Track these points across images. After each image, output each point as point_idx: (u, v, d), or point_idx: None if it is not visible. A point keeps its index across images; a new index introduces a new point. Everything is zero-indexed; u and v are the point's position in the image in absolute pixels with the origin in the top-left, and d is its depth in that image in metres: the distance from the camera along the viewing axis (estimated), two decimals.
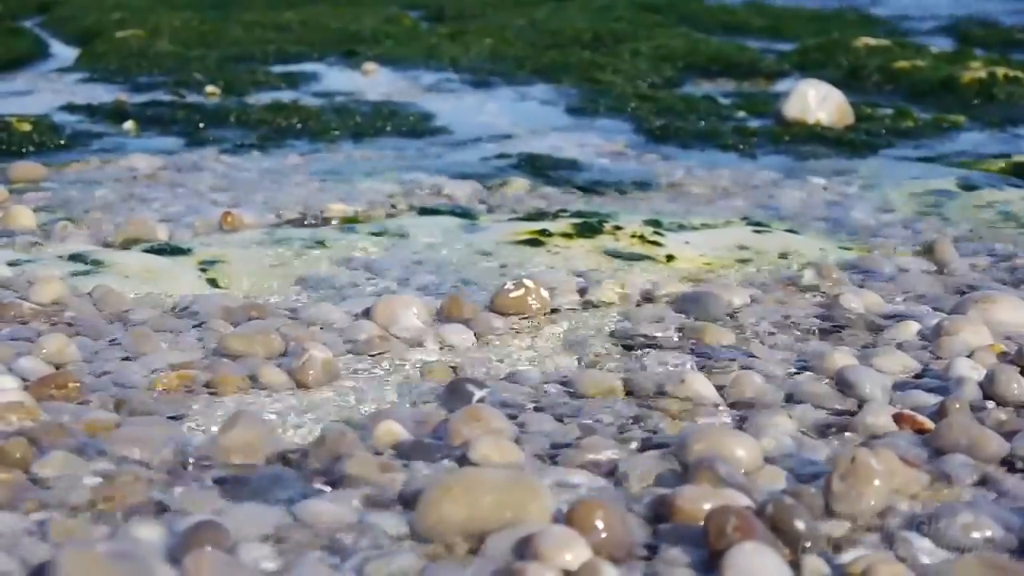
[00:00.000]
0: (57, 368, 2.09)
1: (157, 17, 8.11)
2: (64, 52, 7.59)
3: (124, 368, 2.11)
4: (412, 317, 2.37)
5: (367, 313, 2.41)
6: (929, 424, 1.83)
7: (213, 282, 2.74)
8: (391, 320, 2.36)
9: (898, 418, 1.86)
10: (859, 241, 3.11)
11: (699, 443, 1.67)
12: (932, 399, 1.97)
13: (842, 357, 2.15)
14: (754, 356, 2.23)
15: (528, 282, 2.49)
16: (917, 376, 2.14)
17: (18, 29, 8.12)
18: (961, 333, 2.26)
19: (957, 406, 1.88)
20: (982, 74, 5.46)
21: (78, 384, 1.98)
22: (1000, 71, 5.47)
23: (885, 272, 2.79)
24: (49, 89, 5.71)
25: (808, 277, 2.70)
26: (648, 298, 2.58)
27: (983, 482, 1.65)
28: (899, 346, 2.27)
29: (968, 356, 2.17)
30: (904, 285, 2.69)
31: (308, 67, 6.48)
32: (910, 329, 2.34)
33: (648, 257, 2.85)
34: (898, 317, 2.45)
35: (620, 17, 8.37)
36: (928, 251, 2.91)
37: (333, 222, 3.26)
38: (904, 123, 4.68)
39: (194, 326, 2.39)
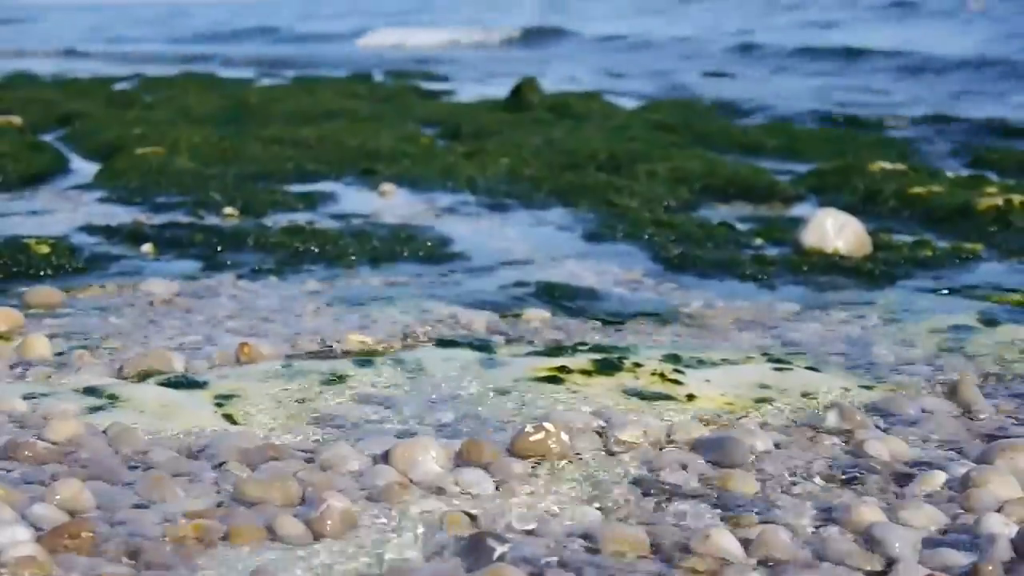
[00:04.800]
0: (71, 515, 2.06)
1: (176, 133, 8.17)
2: (84, 167, 7.63)
3: (139, 516, 2.07)
4: (431, 461, 2.35)
5: (385, 457, 2.38)
6: None
7: (229, 418, 2.71)
8: (410, 465, 2.33)
9: None
10: (881, 379, 3.08)
11: None
12: (963, 558, 1.94)
13: (869, 511, 2.11)
14: (778, 507, 2.19)
15: (548, 425, 2.46)
16: (946, 531, 2.10)
17: (39, 143, 8.18)
18: (989, 485, 2.23)
19: (990, 568, 1.84)
20: (998, 201, 5.46)
21: (92, 534, 1.95)
22: (1016, 198, 5.47)
23: (909, 414, 2.76)
24: (68, 208, 5.73)
25: (831, 420, 2.67)
26: (670, 442, 2.55)
27: None
28: (926, 497, 2.24)
29: (998, 510, 2.13)
30: (929, 429, 2.66)
31: (326, 186, 6.51)
32: (936, 479, 2.31)
33: (669, 396, 2.83)
34: (924, 465, 2.42)
35: (635, 137, 8.42)
36: (952, 392, 2.89)
37: (351, 354, 3.24)
38: (922, 252, 4.67)
39: (211, 467, 2.36)
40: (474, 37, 31.17)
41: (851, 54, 18.68)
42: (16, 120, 9.26)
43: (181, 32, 39.27)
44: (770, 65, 18.52)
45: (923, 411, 2.78)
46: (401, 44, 30.24)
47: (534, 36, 29.91)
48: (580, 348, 3.26)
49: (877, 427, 2.67)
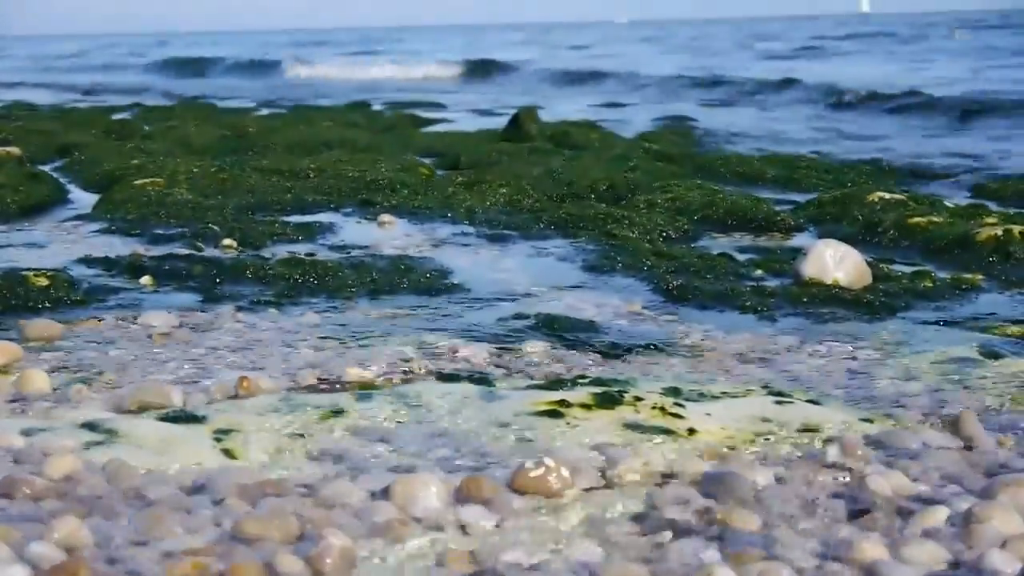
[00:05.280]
0: (69, 552, 2.05)
1: (175, 164, 8.18)
2: (83, 198, 7.64)
3: (138, 554, 2.06)
4: (431, 497, 2.34)
5: (385, 493, 2.37)
6: None
7: (228, 453, 2.70)
8: (409, 501, 2.32)
9: None
10: (882, 412, 3.07)
11: None
12: None
13: (871, 547, 2.10)
14: (780, 543, 2.18)
15: (549, 461, 2.45)
16: (950, 567, 2.09)
17: (38, 174, 8.18)
18: (992, 521, 2.22)
19: None
20: (998, 231, 5.46)
21: (90, 572, 1.93)
22: (1016, 228, 5.47)
23: (910, 448, 2.75)
24: (67, 240, 5.73)
25: (832, 454, 2.66)
26: (671, 477, 2.54)
27: None
28: (929, 533, 2.23)
29: (1001, 546, 2.12)
30: (930, 463, 2.65)
31: (325, 217, 6.51)
32: (939, 515, 2.30)
33: (670, 431, 2.81)
34: (926, 500, 2.40)
35: (635, 167, 8.42)
36: (953, 426, 2.87)
37: (350, 388, 3.23)
38: (922, 283, 4.67)
39: (210, 503, 2.35)
40: (420, 71, 31.40)
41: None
42: (15, 151, 9.27)
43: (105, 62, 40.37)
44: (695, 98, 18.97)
45: (924, 445, 2.77)
46: (327, 76, 31.05)
47: (481, 70, 30.30)
48: (580, 381, 3.25)
49: (878, 461, 2.66)
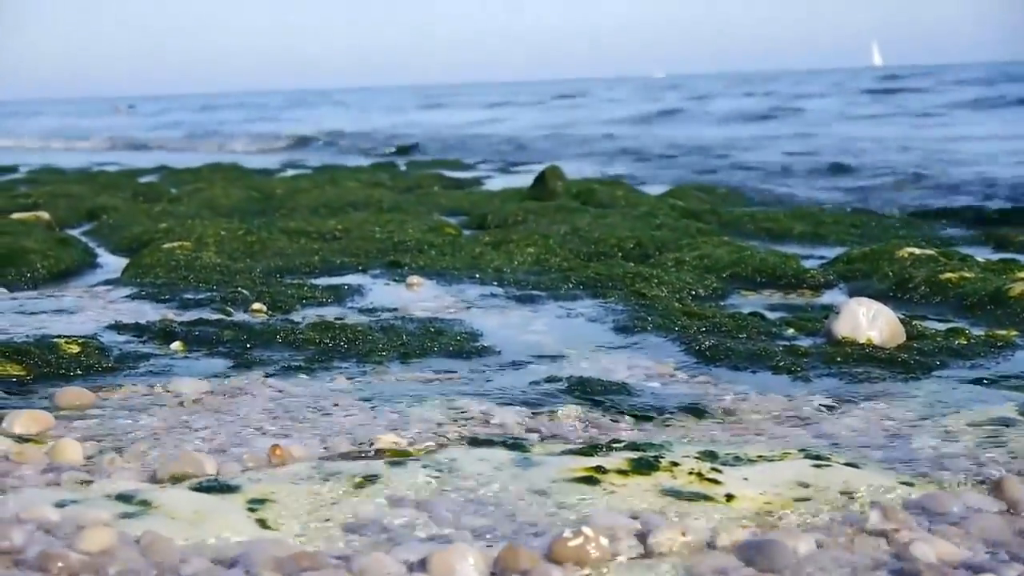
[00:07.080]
0: None
1: (203, 227, 8.21)
2: (112, 262, 7.69)
3: None
4: (469, 569, 2.31)
5: (423, 565, 2.34)
6: None
7: (263, 523, 2.68)
8: (447, 572, 2.30)
9: None
10: (922, 475, 3.03)
11: None
12: None
13: None
14: None
15: (587, 530, 2.42)
16: None
17: (67, 238, 8.24)
18: None
19: None
20: None
21: None
22: None
23: (953, 512, 2.71)
24: (96, 305, 5.73)
25: (873, 520, 2.62)
26: (711, 545, 2.50)
27: None
28: None
29: None
30: (974, 528, 2.60)
31: (353, 279, 6.51)
32: None
33: (707, 497, 2.78)
34: (972, 567, 2.36)
35: (662, 224, 8.42)
36: (996, 489, 2.83)
37: (383, 455, 3.21)
38: (957, 340, 4.63)
39: None
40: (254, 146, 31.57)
41: None
42: (44, 215, 9.33)
43: None
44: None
45: (967, 509, 2.73)
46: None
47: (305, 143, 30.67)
48: (615, 446, 3.22)
49: (920, 526, 2.62)
